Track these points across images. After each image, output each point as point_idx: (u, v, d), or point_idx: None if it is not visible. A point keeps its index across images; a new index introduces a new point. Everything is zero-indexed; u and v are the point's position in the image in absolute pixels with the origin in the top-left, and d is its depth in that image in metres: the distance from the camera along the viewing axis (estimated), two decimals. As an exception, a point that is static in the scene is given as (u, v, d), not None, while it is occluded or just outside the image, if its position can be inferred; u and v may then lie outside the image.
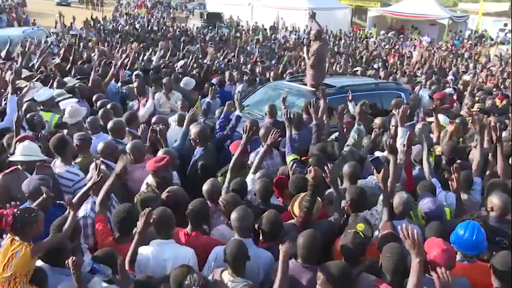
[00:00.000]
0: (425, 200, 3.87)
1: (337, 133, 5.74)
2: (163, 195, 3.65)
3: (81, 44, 12.84)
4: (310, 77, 7.34)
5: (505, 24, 33.83)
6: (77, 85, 7.02)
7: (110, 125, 5.08)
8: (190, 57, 10.82)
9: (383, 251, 2.93)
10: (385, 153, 5.00)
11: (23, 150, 4.19)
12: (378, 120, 5.93)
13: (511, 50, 21.53)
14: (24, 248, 2.82)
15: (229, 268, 2.96)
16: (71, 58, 8.93)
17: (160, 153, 4.41)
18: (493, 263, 2.93)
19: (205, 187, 3.87)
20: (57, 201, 3.74)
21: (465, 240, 3.11)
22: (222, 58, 12.29)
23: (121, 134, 5.08)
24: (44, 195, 3.39)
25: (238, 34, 22.42)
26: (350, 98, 6.40)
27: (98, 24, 19.41)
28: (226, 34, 21.35)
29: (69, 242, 3.04)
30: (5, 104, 5.66)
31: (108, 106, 5.92)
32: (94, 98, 6.68)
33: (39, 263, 2.97)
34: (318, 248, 3.01)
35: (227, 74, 9.40)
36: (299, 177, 4.03)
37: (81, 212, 3.60)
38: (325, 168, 3.61)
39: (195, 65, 10.16)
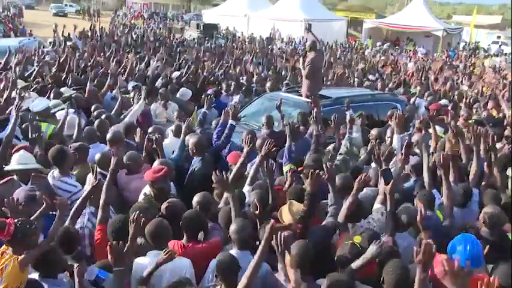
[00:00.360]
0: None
1: (333, 144, 5.75)
2: (163, 206, 3.62)
3: (77, 55, 12.87)
4: (305, 87, 7.37)
5: (498, 37, 34.31)
6: (73, 95, 7.01)
7: (109, 135, 5.07)
8: (186, 67, 10.81)
9: (385, 266, 2.91)
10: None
11: (19, 160, 4.16)
12: (374, 131, 5.95)
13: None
14: (13, 261, 2.79)
15: (221, 282, 2.92)
16: (66, 68, 8.95)
17: (156, 163, 4.39)
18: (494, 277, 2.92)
19: (196, 199, 3.80)
20: (51, 212, 3.69)
21: (463, 255, 3.05)
22: (217, 69, 12.31)
23: (121, 144, 5.04)
24: (45, 204, 3.37)
25: (235, 45, 22.52)
26: (346, 107, 6.36)
27: (95, 35, 19.46)
28: (222, 45, 21.45)
29: (61, 252, 3.00)
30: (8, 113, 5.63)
31: (103, 117, 5.91)
32: (92, 108, 6.67)
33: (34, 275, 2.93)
34: (310, 258, 2.99)
35: (224, 85, 9.40)
36: (297, 188, 4.02)
37: (78, 223, 3.59)
38: (324, 167, 3.60)
39: (191, 76, 10.16)
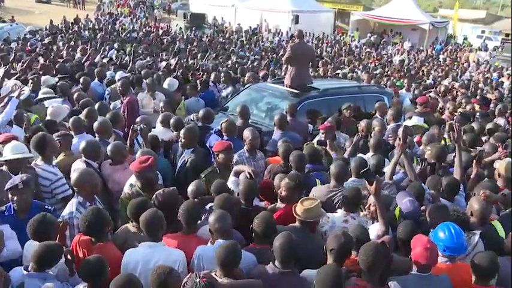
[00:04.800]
0: (405, 200, 3.91)
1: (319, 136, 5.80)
2: (157, 195, 3.58)
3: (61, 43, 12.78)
4: (287, 76, 7.34)
5: (483, 31, 34.71)
6: (58, 84, 6.94)
7: (96, 125, 5.02)
8: (177, 58, 10.77)
9: (360, 250, 2.96)
10: (368, 155, 5.09)
11: (14, 149, 4.08)
12: (363, 123, 6.03)
13: None
14: None
15: (218, 270, 2.91)
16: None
17: (139, 153, 4.34)
18: (475, 261, 3.04)
19: (190, 188, 3.81)
20: (47, 207, 3.69)
21: (447, 242, 3.14)
22: (204, 59, 12.28)
23: (108, 133, 5.02)
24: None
25: (223, 35, 22.41)
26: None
27: (80, 24, 19.18)
28: (209, 35, 21.34)
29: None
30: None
31: (97, 105, 5.91)
32: (75, 96, 6.60)
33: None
34: (295, 250, 2.99)
35: (212, 75, 9.34)
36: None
37: (65, 212, 3.56)
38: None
39: (177, 66, 10.10)
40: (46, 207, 3.63)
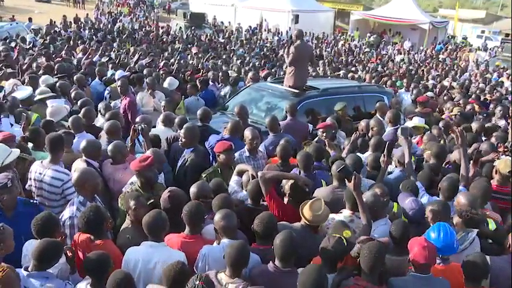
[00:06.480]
0: (408, 200, 3.92)
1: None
2: (164, 195, 3.57)
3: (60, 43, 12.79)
4: (288, 76, 7.33)
5: (483, 31, 34.77)
6: (58, 83, 6.94)
7: (106, 126, 5.02)
8: (177, 57, 10.79)
9: (362, 249, 2.95)
10: (366, 154, 5.10)
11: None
12: (363, 122, 6.04)
13: None
14: None
15: (227, 270, 2.91)
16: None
17: (148, 152, 4.34)
18: (465, 263, 3.04)
19: (192, 189, 3.76)
20: (31, 201, 3.70)
21: (437, 242, 3.12)
22: (205, 59, 12.29)
23: (118, 135, 4.99)
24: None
25: (223, 35, 22.41)
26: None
27: (79, 23, 19.17)
28: (209, 35, 21.36)
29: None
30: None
31: (101, 105, 5.99)
32: (72, 95, 6.60)
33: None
34: (295, 248, 2.99)
35: (210, 74, 9.35)
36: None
37: (66, 213, 3.55)
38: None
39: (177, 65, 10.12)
40: (31, 201, 3.62)
